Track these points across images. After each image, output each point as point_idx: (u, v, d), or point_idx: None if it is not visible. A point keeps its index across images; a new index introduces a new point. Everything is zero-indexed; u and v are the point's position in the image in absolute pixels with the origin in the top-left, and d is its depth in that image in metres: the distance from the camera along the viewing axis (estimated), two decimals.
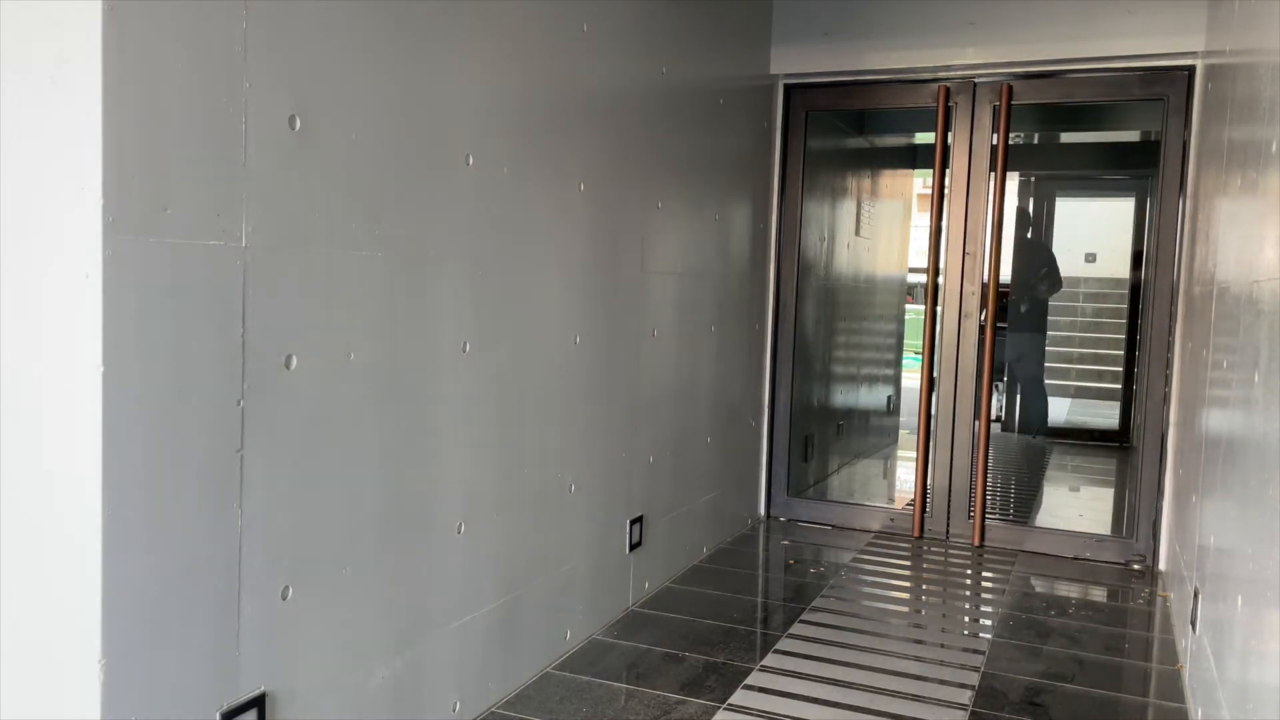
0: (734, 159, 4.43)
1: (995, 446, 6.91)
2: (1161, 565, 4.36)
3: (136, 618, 1.74)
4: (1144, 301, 4.73)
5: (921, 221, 7.06)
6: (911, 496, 5.00)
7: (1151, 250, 4.71)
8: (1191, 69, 4.26)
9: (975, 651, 3.37)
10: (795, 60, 4.81)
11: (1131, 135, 7.44)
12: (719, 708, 2.87)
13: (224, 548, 1.91)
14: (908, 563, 4.44)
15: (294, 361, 2.03)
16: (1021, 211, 7.50)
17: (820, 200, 5.43)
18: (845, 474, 6.11)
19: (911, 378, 7.19)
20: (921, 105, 4.78)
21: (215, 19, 1.81)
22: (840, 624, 3.59)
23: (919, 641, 3.45)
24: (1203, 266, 3.49)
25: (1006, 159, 4.66)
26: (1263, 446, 2.00)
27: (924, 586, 4.14)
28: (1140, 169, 7.35)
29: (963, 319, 4.74)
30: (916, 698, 2.98)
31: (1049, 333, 7.64)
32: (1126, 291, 7.35)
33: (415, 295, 2.39)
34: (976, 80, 4.65)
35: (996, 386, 7.46)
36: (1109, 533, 5.12)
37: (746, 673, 3.12)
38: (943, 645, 3.44)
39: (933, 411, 4.81)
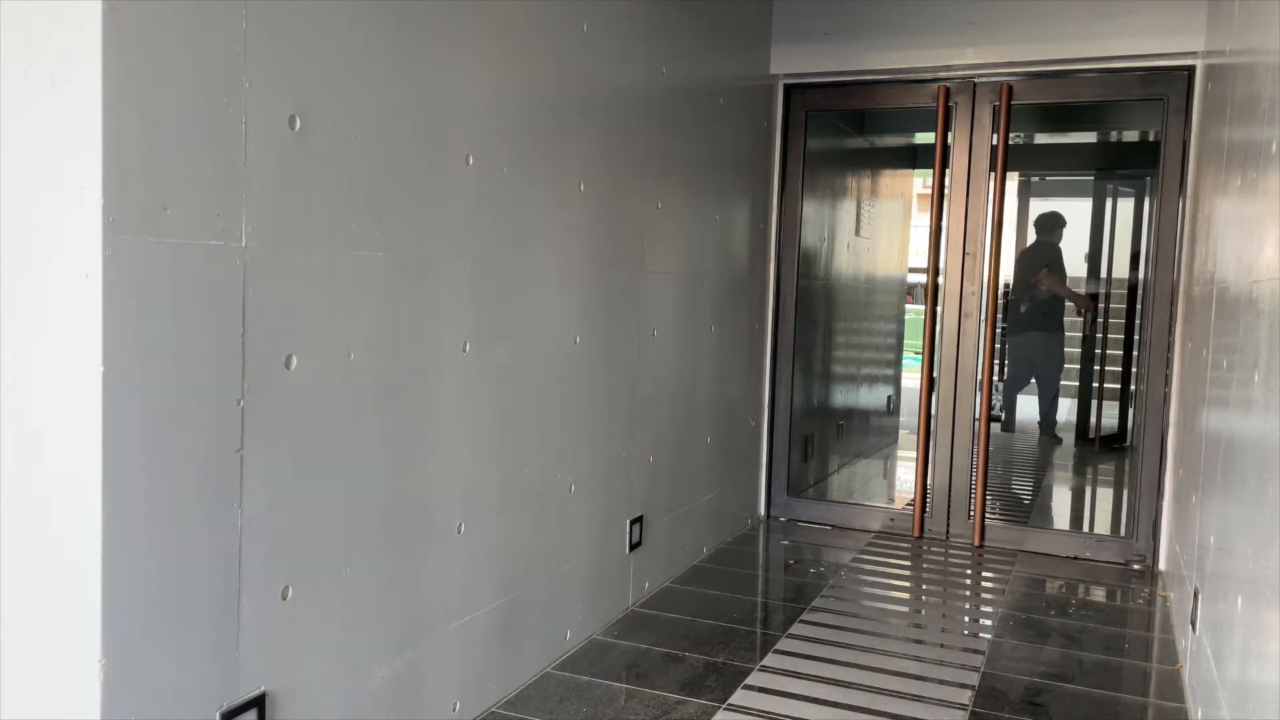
0: (734, 159, 4.43)
1: (1001, 448, 6.90)
2: (1161, 565, 4.36)
3: (136, 617, 1.74)
4: (1144, 301, 4.73)
5: (921, 221, 7.05)
6: (911, 496, 5.00)
7: (1151, 250, 4.71)
8: (1191, 69, 4.26)
9: (975, 651, 3.37)
10: (795, 60, 4.81)
11: (1131, 135, 7.43)
12: (719, 708, 2.87)
13: (224, 547, 1.91)
14: (908, 563, 4.44)
15: (294, 361, 2.04)
16: (1054, 215, 7.23)
17: (820, 200, 5.43)
18: (845, 474, 6.10)
19: (911, 378, 7.19)
20: (921, 105, 4.78)
21: (215, 19, 1.81)
22: (840, 624, 3.59)
23: (919, 641, 3.45)
24: (1202, 266, 3.50)
25: (1006, 159, 4.66)
26: (1263, 446, 2.00)
27: (924, 586, 4.14)
28: (1140, 169, 7.34)
29: (963, 319, 4.74)
30: (916, 698, 2.98)
31: (1066, 334, 7.61)
32: (1125, 292, 7.33)
33: (415, 295, 2.38)
34: (976, 80, 4.65)
35: (996, 387, 7.44)
36: (1109, 533, 5.12)
37: (746, 673, 3.12)
38: (943, 645, 3.44)
39: (933, 411, 4.81)
